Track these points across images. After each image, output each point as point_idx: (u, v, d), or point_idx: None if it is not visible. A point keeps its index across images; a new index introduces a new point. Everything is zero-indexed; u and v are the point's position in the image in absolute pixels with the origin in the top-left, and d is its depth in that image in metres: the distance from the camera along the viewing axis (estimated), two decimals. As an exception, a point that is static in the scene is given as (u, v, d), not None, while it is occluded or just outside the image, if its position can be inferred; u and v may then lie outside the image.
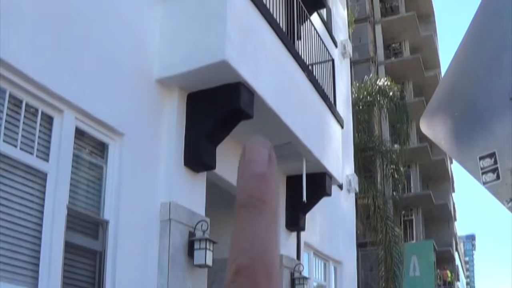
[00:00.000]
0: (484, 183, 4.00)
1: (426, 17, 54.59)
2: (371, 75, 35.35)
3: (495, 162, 3.93)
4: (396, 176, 29.78)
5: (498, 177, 3.92)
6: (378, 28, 47.81)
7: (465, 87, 4.32)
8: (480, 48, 4.33)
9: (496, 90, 4.08)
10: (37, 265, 6.43)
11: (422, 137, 42.75)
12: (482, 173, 3.98)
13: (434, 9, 56.96)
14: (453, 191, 61.46)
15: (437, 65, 54.76)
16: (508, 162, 3.88)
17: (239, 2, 8.91)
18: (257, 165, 0.79)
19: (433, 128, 4.55)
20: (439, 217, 49.56)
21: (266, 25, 9.66)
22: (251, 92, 8.87)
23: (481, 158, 3.99)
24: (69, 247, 6.86)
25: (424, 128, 4.61)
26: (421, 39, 50.78)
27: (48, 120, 6.92)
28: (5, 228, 6.11)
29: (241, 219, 0.78)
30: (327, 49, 13.64)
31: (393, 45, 51.70)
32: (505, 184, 3.91)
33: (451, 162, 52.86)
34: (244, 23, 9.02)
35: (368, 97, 29.11)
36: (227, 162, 10.17)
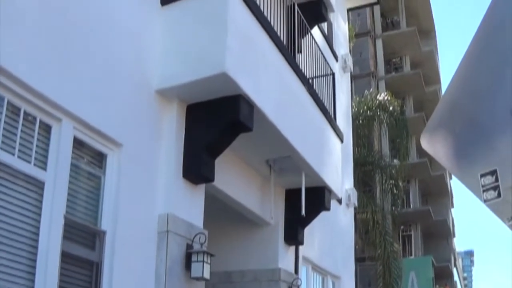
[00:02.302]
0: (485, 201, 3.97)
1: (427, 32, 54.71)
2: (371, 89, 35.43)
3: (496, 180, 3.90)
4: (395, 191, 29.76)
5: (499, 195, 3.89)
6: (379, 43, 47.87)
7: (466, 103, 4.30)
8: (481, 65, 4.31)
9: (497, 107, 4.05)
10: (33, 274, 6.37)
11: (421, 153, 42.75)
12: (483, 191, 3.96)
13: (435, 25, 57.04)
14: (452, 206, 61.42)
15: (437, 80, 54.86)
16: (509, 180, 3.85)
17: (240, 15, 8.89)
18: None
19: (433, 144, 4.52)
20: (438, 233, 49.52)
21: (267, 38, 9.65)
22: (250, 105, 8.84)
23: (482, 175, 3.96)
24: (66, 257, 6.80)
25: (425, 144, 4.58)
26: (422, 54, 50.88)
27: (46, 129, 6.88)
28: (1, 237, 6.07)
29: None
30: (327, 63, 13.63)
31: (394, 60, 51.81)
32: (506, 201, 3.89)
33: (451, 178, 52.87)
34: (245, 36, 9.00)
35: (368, 111, 29.15)
36: (226, 175, 10.16)
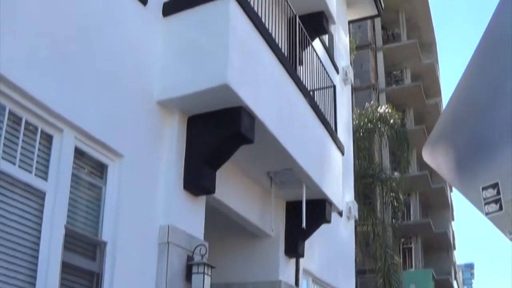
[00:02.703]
0: (486, 214, 3.97)
1: (428, 45, 54.88)
2: (372, 102, 35.46)
3: (498, 193, 3.90)
4: (395, 203, 29.77)
5: (501, 208, 3.89)
6: (380, 55, 47.99)
7: (467, 116, 4.30)
8: (483, 78, 4.31)
9: (499, 120, 4.05)
10: (34, 284, 6.36)
11: (422, 165, 42.80)
12: (485, 204, 3.96)
13: (436, 37, 57.17)
14: (453, 219, 61.44)
15: (438, 93, 55.00)
16: (511, 193, 3.85)
17: (242, 27, 8.90)
18: None
19: (435, 157, 4.52)
20: (439, 246, 49.56)
21: (268, 50, 9.66)
22: (252, 117, 8.84)
23: (484, 188, 3.96)
24: (66, 268, 6.79)
25: (427, 157, 4.58)
26: (423, 67, 51.02)
27: (48, 139, 6.89)
28: (1, 246, 6.06)
29: None
30: (328, 75, 13.65)
31: (395, 72, 51.94)
32: (507, 215, 3.88)
33: (451, 190, 52.92)
34: (246, 48, 9.02)
35: (369, 124, 29.18)
36: (227, 187, 10.16)
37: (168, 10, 9.04)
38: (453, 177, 4.48)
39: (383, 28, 50.17)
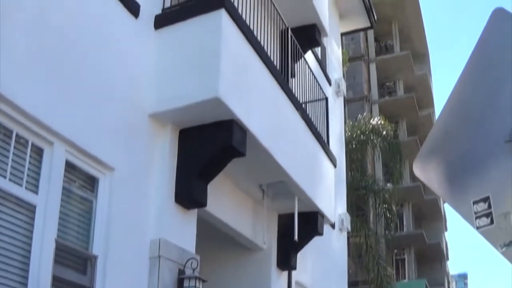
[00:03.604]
0: (477, 228, 3.96)
1: (421, 56, 55.05)
2: (364, 113, 35.56)
3: (489, 207, 3.89)
4: (388, 215, 29.80)
5: (491, 222, 3.88)
6: (373, 67, 48.13)
7: (459, 130, 4.29)
8: (474, 91, 4.31)
9: (490, 133, 4.05)
10: (24, 299, 6.35)
11: (415, 177, 42.72)
12: (476, 218, 3.95)
13: (429, 48, 57.33)
14: (446, 230, 61.53)
15: (431, 104, 55.14)
16: (502, 207, 3.84)
17: (234, 39, 8.91)
18: None
19: (426, 171, 4.51)
20: (432, 256, 49.66)
21: (260, 63, 9.65)
22: (243, 130, 8.84)
23: (475, 202, 3.95)
24: (57, 282, 6.76)
25: (418, 171, 4.57)
26: (415, 78, 51.18)
27: (38, 152, 6.86)
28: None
29: None
30: (321, 88, 13.66)
31: (387, 83, 52.10)
32: (499, 228, 3.87)
33: (444, 202, 52.85)
34: (238, 60, 9.01)
35: (362, 136, 29.23)
36: (219, 200, 10.13)
37: (160, 23, 9.04)
38: (444, 191, 4.47)
39: (376, 39, 50.31)
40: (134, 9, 8.65)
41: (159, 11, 9.14)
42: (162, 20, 9.05)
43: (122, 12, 8.47)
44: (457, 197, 4.24)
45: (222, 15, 8.63)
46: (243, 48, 9.19)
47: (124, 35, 8.47)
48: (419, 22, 53.32)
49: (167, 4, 9.27)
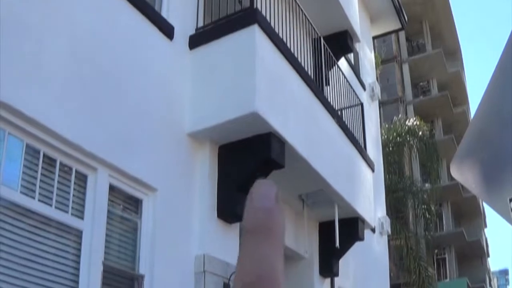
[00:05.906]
0: (514, 224, 3.99)
1: (453, 53, 54.54)
2: (399, 115, 35.43)
3: (525, 203, 3.92)
4: (427, 215, 29.64)
5: (528, 217, 3.91)
6: (406, 68, 47.82)
7: (493, 129, 4.32)
8: (506, 89, 4.34)
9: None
10: (74, 323, 6.46)
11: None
12: (513, 214, 3.98)
13: (461, 45, 56.85)
14: (485, 226, 60.93)
15: (465, 101, 54.64)
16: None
17: (268, 53, 8.97)
18: (265, 200, 0.85)
19: (463, 172, 4.54)
20: (472, 254, 49.18)
21: (294, 74, 9.71)
22: (281, 142, 8.90)
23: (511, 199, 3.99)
24: (105, 303, 6.88)
25: (455, 173, 4.60)
26: (449, 75, 50.71)
27: (82, 178, 6.99)
28: (41, 286, 6.14)
29: (248, 244, 0.83)
30: (355, 93, 13.67)
31: (421, 83, 51.66)
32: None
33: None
34: (272, 74, 9.08)
35: (398, 138, 29.12)
36: (260, 212, 10.15)
37: (194, 43, 9.15)
38: (480, 191, 4.49)
39: (407, 39, 49.99)
40: (168, 32, 8.76)
41: (192, 31, 9.25)
42: (196, 40, 9.17)
43: (157, 35, 8.60)
44: (493, 195, 4.26)
45: (255, 30, 8.71)
46: (277, 60, 9.26)
47: (160, 58, 8.58)
48: (450, 18, 52.91)
49: (200, 24, 9.37)
